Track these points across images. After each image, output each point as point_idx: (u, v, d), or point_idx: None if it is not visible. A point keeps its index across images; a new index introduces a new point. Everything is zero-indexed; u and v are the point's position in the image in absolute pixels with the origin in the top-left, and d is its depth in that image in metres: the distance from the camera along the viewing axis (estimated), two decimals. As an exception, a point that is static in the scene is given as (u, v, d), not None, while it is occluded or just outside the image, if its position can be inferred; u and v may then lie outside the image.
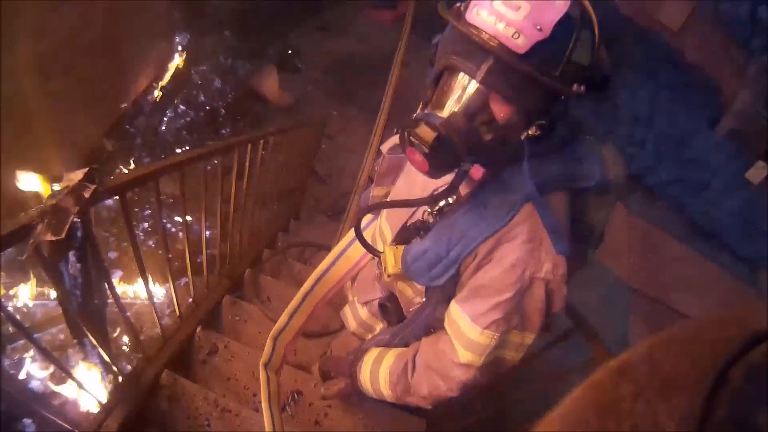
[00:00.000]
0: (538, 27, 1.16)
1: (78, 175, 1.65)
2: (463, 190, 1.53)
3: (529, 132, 1.29)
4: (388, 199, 1.87)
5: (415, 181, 1.67)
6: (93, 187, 1.64)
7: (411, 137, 1.26)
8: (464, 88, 1.27)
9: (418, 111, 1.34)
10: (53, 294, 3.54)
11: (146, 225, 5.26)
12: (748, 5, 9.92)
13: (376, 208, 1.92)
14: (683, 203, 9.68)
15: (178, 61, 7.18)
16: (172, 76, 7.08)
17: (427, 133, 1.23)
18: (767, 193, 11.04)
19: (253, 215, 3.84)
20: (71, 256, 1.65)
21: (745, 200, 10.40)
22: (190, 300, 2.95)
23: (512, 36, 1.16)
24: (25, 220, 1.46)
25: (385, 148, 1.86)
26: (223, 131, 6.92)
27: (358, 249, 2.15)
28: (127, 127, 6.36)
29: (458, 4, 1.29)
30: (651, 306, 6.79)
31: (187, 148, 6.44)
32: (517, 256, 1.41)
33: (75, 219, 1.56)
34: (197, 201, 2.68)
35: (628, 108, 10.32)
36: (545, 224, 1.39)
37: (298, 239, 4.76)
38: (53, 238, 1.47)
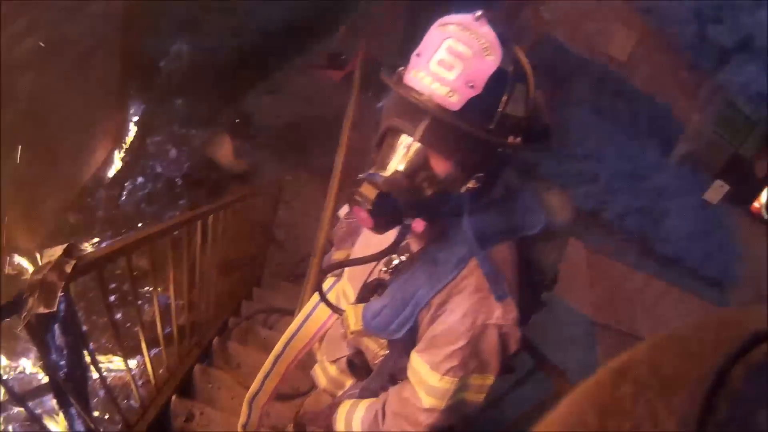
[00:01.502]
0: (471, 84, 1.22)
1: (57, 250, 1.71)
2: (415, 246, 1.61)
3: (469, 186, 1.35)
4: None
5: (370, 242, 1.73)
6: (73, 261, 1.70)
7: (356, 196, 1.35)
8: (404, 147, 1.35)
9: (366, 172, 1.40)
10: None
11: (113, 298, 5.24)
12: (695, 27, 10.03)
13: (332, 269, 1.97)
14: (643, 233, 9.74)
15: (133, 132, 7.20)
16: (129, 148, 7.09)
17: (369, 190, 1.30)
18: (727, 211, 11.26)
19: (217, 284, 3.87)
20: (56, 328, 1.70)
21: (705, 221, 10.60)
22: (163, 370, 2.98)
23: (446, 95, 1.23)
24: (16, 294, 1.52)
25: (342, 212, 1.94)
26: (181, 201, 6.91)
27: (324, 310, 2.18)
28: (88, 200, 6.35)
29: (400, 68, 1.39)
30: (619, 339, 6.84)
31: (149, 221, 6.43)
32: (467, 306, 1.47)
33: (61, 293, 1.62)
34: (164, 272, 2.72)
35: (580, 146, 10.43)
36: (486, 276, 1.47)
37: (262, 305, 4.78)
38: (46, 311, 1.53)
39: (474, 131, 1.26)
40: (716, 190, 11.03)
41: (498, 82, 1.25)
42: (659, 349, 0.48)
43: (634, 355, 0.49)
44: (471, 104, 1.24)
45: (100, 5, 6.11)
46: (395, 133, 1.35)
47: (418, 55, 1.29)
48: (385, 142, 1.39)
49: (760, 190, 13.75)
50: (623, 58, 13.82)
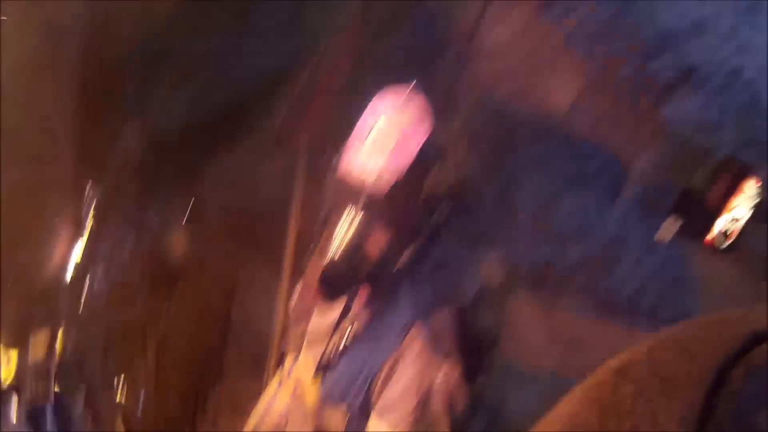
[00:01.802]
0: (398, 166, 1.34)
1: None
2: (363, 315, 1.70)
3: (406, 255, 1.45)
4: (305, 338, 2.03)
5: (324, 315, 1.84)
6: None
7: (307, 272, 1.45)
8: (345, 223, 1.48)
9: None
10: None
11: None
12: (635, 64, 10.29)
13: (291, 344, 2.07)
14: (597, 283, 10.00)
15: (90, 219, 7.34)
16: (88, 236, 7.23)
17: (318, 266, 1.42)
18: (682, 247, 11.52)
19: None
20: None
21: (659, 262, 10.56)
22: None
23: (377, 177, 1.33)
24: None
25: (297, 290, 2.01)
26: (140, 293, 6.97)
27: (284, 394, 2.24)
28: (50, 294, 6.39)
29: (337, 154, 1.49)
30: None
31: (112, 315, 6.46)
32: (413, 370, 1.63)
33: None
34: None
35: (526, 203, 10.75)
36: (428, 341, 1.56)
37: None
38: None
39: (403, 205, 1.36)
40: (668, 228, 11.31)
41: (423, 160, 1.35)
42: (659, 349, 0.50)
43: (634, 355, 0.51)
44: (401, 181, 1.43)
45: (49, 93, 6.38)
46: (338, 211, 1.51)
47: (352, 142, 1.40)
48: (330, 220, 1.55)
49: (713, 221, 14.17)
50: (565, 108, 14.26)
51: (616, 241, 11.07)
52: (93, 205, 7.51)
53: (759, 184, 11.97)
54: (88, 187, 7.47)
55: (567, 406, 0.52)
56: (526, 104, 12.89)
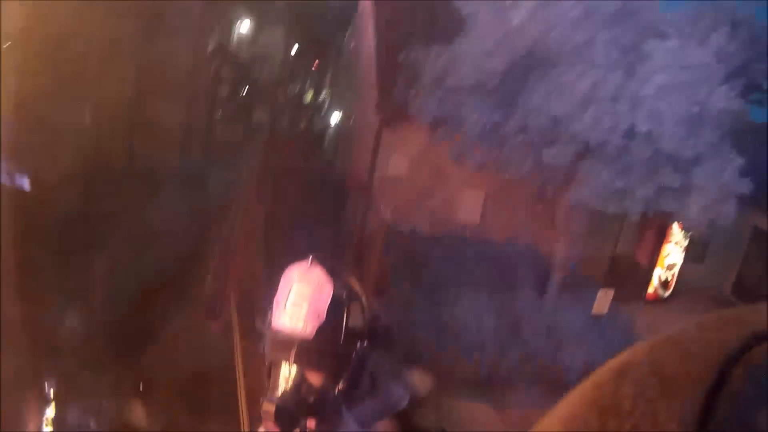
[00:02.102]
0: (317, 314, 1.65)
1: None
2: None
3: (340, 386, 1.71)
4: None
5: None
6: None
7: (261, 414, 1.66)
8: (286, 370, 1.73)
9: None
10: None
11: None
12: (531, 159, 10.59)
13: None
14: (545, 374, 10.07)
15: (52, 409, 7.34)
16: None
17: (270, 407, 1.66)
18: (622, 311, 11.59)
19: None
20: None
21: (601, 335, 10.87)
22: None
23: (302, 327, 1.65)
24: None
25: None
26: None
27: None
28: None
29: (268, 313, 1.73)
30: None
31: None
32: None
33: None
34: None
35: (459, 319, 11.25)
36: None
37: None
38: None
39: (328, 348, 1.68)
40: (602, 300, 11.61)
41: (336, 307, 1.68)
42: (659, 349, 0.48)
43: (634, 355, 0.49)
44: (321, 329, 1.65)
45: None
46: (277, 363, 1.75)
47: (277, 301, 1.70)
48: (272, 370, 1.77)
49: (650, 276, 14.58)
50: (476, 219, 14.66)
51: (554, 330, 11.09)
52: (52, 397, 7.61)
53: (682, 228, 12.19)
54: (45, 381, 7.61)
55: (567, 407, 0.51)
56: (434, 224, 13.01)
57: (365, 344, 1.69)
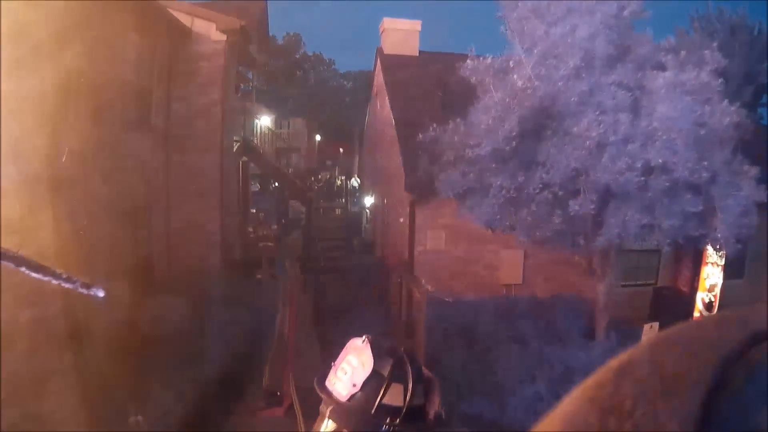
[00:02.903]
0: (353, 384, 1.88)
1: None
2: None
3: None
4: None
5: None
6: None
7: None
8: (324, 424, 1.93)
9: None
10: None
11: None
12: (559, 207, 10.83)
13: None
14: None
15: None
16: None
17: None
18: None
19: None
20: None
21: None
22: None
23: (340, 390, 1.89)
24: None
25: None
26: None
27: None
28: None
29: (326, 373, 1.98)
30: None
31: None
32: None
33: None
34: None
35: (511, 376, 11.40)
36: None
37: None
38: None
39: (359, 414, 1.89)
40: (648, 334, 11.42)
41: (375, 381, 1.89)
42: (659, 349, 0.49)
43: (634, 355, 0.50)
44: (355, 397, 1.89)
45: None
46: (321, 416, 1.96)
47: (333, 365, 1.96)
48: (317, 421, 1.99)
49: (693, 301, 14.43)
50: (518, 279, 14.82)
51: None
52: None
53: (715, 249, 12.04)
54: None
55: (567, 406, 0.51)
56: (481, 288, 13.04)
57: (396, 422, 1.85)
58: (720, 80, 10.50)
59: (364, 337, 1.97)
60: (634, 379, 0.46)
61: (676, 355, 0.47)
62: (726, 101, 10.30)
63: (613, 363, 0.50)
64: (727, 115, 10.15)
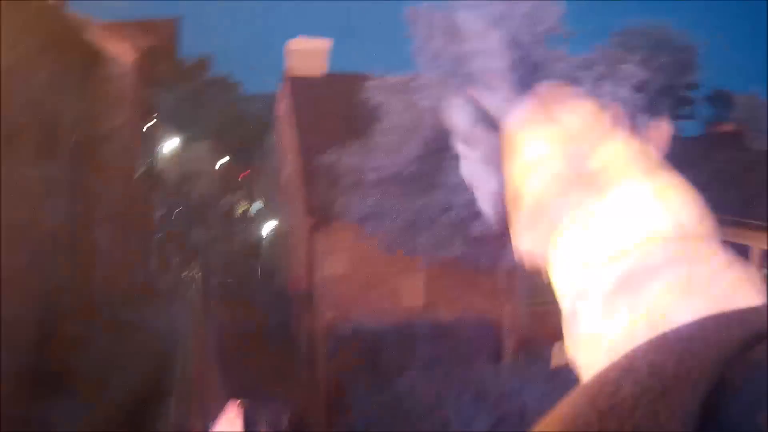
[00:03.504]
0: None
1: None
2: None
3: None
4: None
5: None
6: None
7: None
8: None
9: None
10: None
11: None
12: (461, 229, 10.97)
13: None
14: None
15: None
16: None
17: None
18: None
19: None
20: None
21: (560, 388, 10.61)
22: None
23: None
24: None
25: None
26: None
27: None
28: None
29: None
30: None
31: None
32: None
33: None
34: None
35: (419, 401, 11.20)
36: None
37: None
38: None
39: None
40: (558, 353, 11.61)
41: None
42: (659, 349, 0.48)
43: (634, 355, 0.49)
44: None
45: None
46: None
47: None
48: None
49: None
50: (419, 302, 14.72)
51: (516, 394, 11.07)
52: None
53: None
54: None
55: (567, 406, 0.50)
56: (383, 314, 12.96)
57: None
58: (638, 95, 10.60)
59: (239, 401, 1.94)
60: (633, 380, 0.45)
61: (676, 355, 0.46)
62: (646, 115, 10.43)
63: (613, 363, 0.49)
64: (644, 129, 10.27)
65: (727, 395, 0.41)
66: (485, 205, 0.84)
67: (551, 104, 0.78)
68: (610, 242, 0.66)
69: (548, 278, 0.75)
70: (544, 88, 0.80)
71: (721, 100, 32.55)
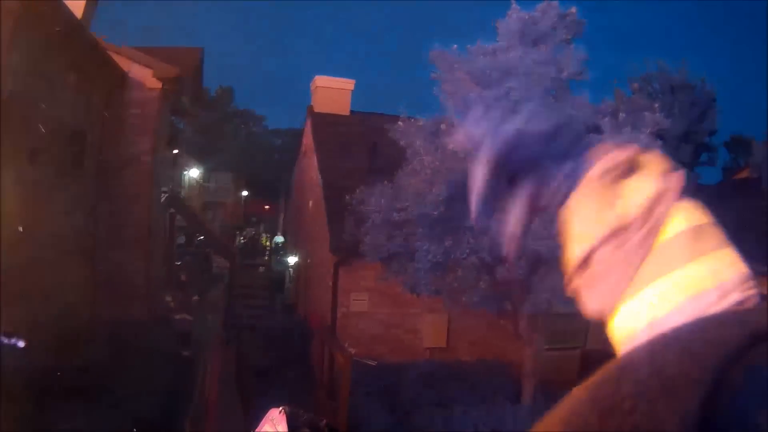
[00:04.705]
0: None
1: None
2: None
3: None
4: None
5: None
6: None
7: None
8: None
9: None
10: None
11: None
12: (486, 273, 10.97)
13: None
14: None
15: None
16: None
17: None
18: None
19: None
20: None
21: None
22: None
23: None
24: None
25: None
26: None
27: None
28: None
29: None
30: None
31: None
32: None
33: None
34: None
35: None
36: None
37: None
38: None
39: None
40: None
41: None
42: (659, 349, 0.49)
43: (635, 355, 0.50)
44: None
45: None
46: None
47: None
48: None
49: None
50: (443, 343, 14.70)
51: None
52: None
53: None
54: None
55: (567, 407, 0.51)
56: (405, 352, 12.87)
57: None
58: (659, 141, 10.53)
59: (281, 407, 1.87)
60: (634, 379, 0.46)
61: (676, 355, 0.46)
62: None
63: (613, 363, 0.51)
64: None
65: (727, 395, 0.41)
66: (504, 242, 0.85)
67: (609, 184, 0.79)
68: (666, 320, 0.67)
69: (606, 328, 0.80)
70: (596, 171, 0.80)
71: (740, 146, 32.33)
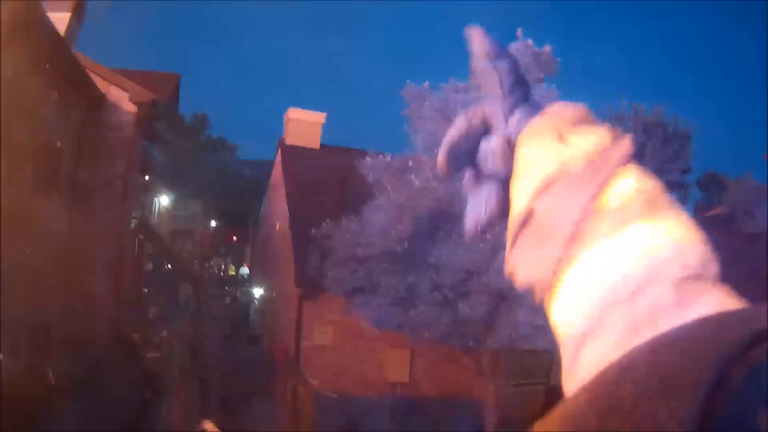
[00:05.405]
0: None
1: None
2: None
3: None
4: None
5: None
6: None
7: None
8: None
9: None
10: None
11: None
12: (449, 309, 10.90)
13: None
14: None
15: None
16: None
17: None
18: None
19: None
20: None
21: None
22: None
23: None
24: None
25: None
26: None
27: None
28: None
29: None
30: None
31: None
32: None
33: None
34: None
35: None
36: None
37: None
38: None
39: None
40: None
41: None
42: (659, 349, 0.49)
43: (634, 355, 0.50)
44: None
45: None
46: None
47: None
48: None
49: None
50: (405, 378, 14.72)
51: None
52: None
53: None
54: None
55: (567, 406, 0.50)
56: (367, 386, 12.76)
57: None
58: None
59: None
60: (634, 379, 0.45)
61: (676, 355, 0.46)
62: None
63: (613, 363, 0.50)
64: None
65: (727, 395, 0.41)
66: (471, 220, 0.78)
67: (564, 124, 0.74)
68: (621, 283, 0.63)
69: (542, 304, 0.69)
70: (556, 107, 0.76)
71: (713, 184, 32.72)
